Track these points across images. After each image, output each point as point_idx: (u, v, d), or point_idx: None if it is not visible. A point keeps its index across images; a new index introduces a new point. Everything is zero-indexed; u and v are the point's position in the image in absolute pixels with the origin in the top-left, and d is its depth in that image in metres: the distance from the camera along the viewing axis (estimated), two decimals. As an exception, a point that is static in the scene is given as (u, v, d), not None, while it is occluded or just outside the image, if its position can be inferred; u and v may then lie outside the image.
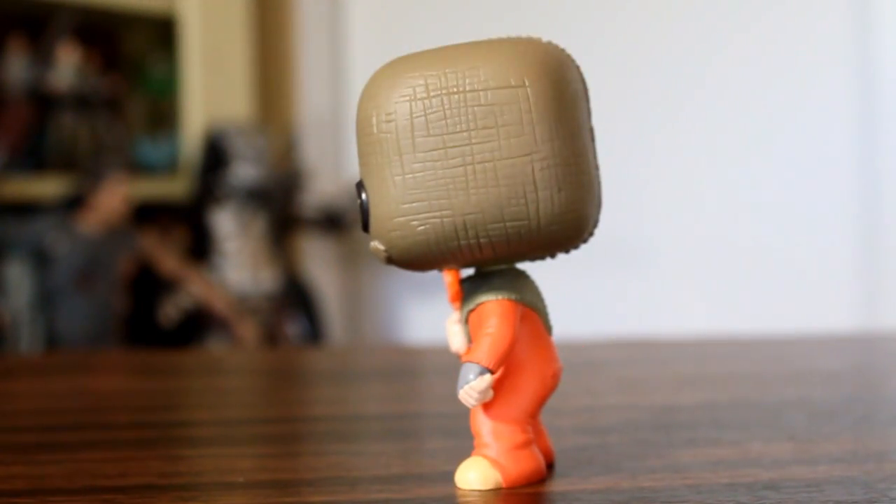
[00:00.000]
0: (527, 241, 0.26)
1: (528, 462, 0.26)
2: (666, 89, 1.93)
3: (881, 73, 1.95)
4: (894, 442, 0.31)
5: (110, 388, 0.48)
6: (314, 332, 1.95)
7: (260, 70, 2.01)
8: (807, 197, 1.97)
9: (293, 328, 1.94)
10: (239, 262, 1.89)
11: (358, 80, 1.97)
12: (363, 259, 2.13)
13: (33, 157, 1.89)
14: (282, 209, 1.95)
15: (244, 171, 1.89)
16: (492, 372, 0.26)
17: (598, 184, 0.28)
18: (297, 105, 1.92)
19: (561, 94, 0.26)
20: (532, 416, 0.27)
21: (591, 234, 0.28)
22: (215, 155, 1.90)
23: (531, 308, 0.27)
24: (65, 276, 1.72)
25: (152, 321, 1.84)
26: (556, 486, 0.25)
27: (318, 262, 2.09)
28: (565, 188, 0.26)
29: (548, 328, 0.27)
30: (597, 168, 0.28)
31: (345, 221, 1.98)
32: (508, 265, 0.28)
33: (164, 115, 2.08)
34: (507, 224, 0.26)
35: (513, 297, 0.27)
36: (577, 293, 1.86)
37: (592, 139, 0.28)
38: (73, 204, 1.76)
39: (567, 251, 0.28)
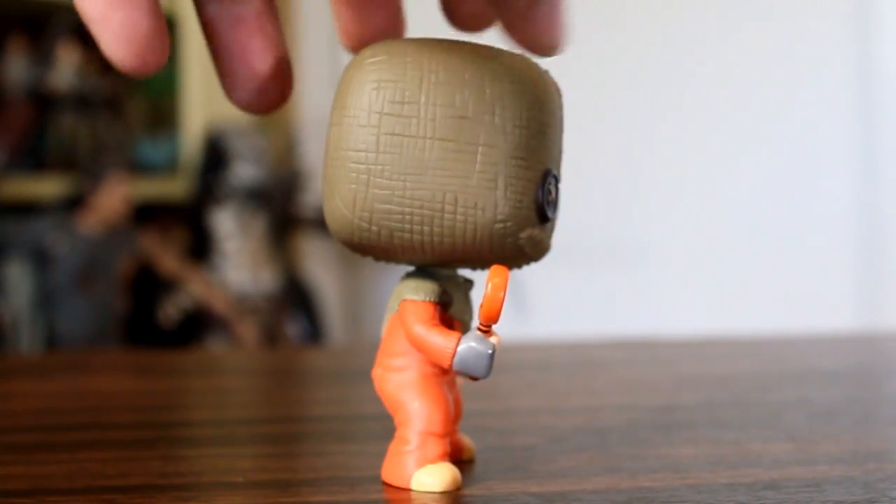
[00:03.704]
0: None
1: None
2: (664, 88, 1.93)
3: (881, 73, 1.95)
4: (894, 442, 0.31)
5: (110, 388, 0.48)
6: (314, 332, 1.95)
7: (260, 70, 2.01)
8: (807, 197, 1.97)
9: (293, 328, 1.94)
10: (239, 262, 1.89)
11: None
12: (363, 259, 2.14)
13: (33, 157, 1.90)
14: (282, 209, 1.95)
15: (244, 171, 1.89)
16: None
17: None
18: (297, 105, 1.92)
19: None
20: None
21: None
22: (215, 155, 1.90)
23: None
24: (65, 276, 1.72)
25: (152, 321, 1.84)
26: (556, 486, 0.25)
27: (318, 262, 2.09)
28: None
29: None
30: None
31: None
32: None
33: (164, 115, 2.08)
34: None
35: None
36: (577, 293, 1.85)
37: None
38: (73, 204, 1.76)
39: None
